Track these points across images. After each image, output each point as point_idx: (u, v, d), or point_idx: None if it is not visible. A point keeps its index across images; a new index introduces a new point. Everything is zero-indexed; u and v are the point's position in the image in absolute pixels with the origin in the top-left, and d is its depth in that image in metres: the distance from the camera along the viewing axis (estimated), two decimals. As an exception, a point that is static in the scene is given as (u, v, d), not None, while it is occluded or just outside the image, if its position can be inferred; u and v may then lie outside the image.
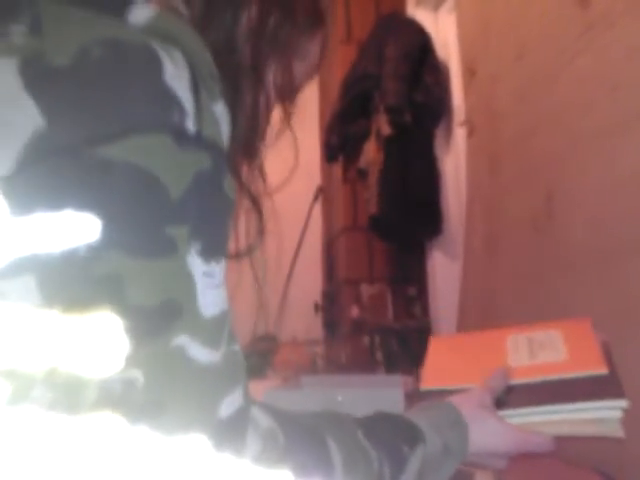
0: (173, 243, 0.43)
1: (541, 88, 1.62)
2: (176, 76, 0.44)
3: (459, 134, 2.28)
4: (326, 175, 3.09)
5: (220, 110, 0.48)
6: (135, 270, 0.42)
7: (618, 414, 0.71)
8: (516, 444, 0.73)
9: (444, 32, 2.50)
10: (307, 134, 2.85)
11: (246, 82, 0.56)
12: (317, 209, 3.10)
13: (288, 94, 0.63)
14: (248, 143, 0.59)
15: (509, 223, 1.84)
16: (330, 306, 2.80)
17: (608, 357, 0.79)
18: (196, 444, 0.44)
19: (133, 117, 0.42)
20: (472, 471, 0.95)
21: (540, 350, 0.83)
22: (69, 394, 0.40)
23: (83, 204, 0.41)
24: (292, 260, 2.96)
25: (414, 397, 0.84)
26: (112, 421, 0.41)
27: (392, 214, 2.33)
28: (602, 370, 0.75)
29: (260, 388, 1.46)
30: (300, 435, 0.56)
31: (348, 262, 2.69)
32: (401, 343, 2.28)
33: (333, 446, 0.58)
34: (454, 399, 0.74)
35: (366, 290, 2.57)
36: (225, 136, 0.49)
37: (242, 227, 0.62)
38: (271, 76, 0.59)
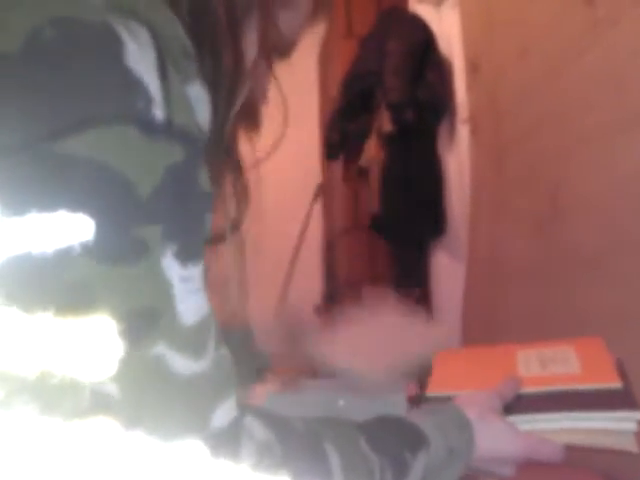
0: (144, 245, 0.40)
1: (545, 85, 1.64)
2: (140, 58, 0.40)
3: (462, 132, 2.28)
4: (326, 173, 3.08)
5: (196, 92, 0.45)
6: (104, 276, 0.39)
7: (633, 426, 0.70)
8: (525, 450, 0.70)
9: (447, 28, 2.48)
10: (306, 131, 2.84)
11: (224, 43, 0.51)
12: (317, 208, 3.08)
13: (280, 49, 0.59)
14: (246, 110, 0.54)
15: (514, 223, 1.86)
16: (330, 308, 2.77)
17: (622, 373, 0.78)
18: (185, 455, 0.42)
19: (92, 107, 0.38)
20: (476, 477, 0.93)
21: (552, 363, 0.82)
22: (63, 397, 0.38)
23: (43, 206, 0.37)
24: (291, 260, 2.94)
25: (419, 402, 0.82)
26: (107, 425, 0.39)
27: (394, 213, 2.33)
28: (615, 383, 0.74)
29: (260, 392, 1.43)
30: (298, 445, 0.53)
31: (349, 263, 2.68)
32: (404, 346, 2.27)
33: (332, 454, 0.55)
34: (460, 400, 0.72)
35: (368, 292, 2.53)
36: (203, 120, 0.45)
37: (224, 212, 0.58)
38: (254, 33, 0.55)
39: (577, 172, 1.48)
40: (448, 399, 0.75)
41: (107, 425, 0.39)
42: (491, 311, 1.95)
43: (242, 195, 0.58)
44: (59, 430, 0.38)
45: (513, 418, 0.73)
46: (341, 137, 2.49)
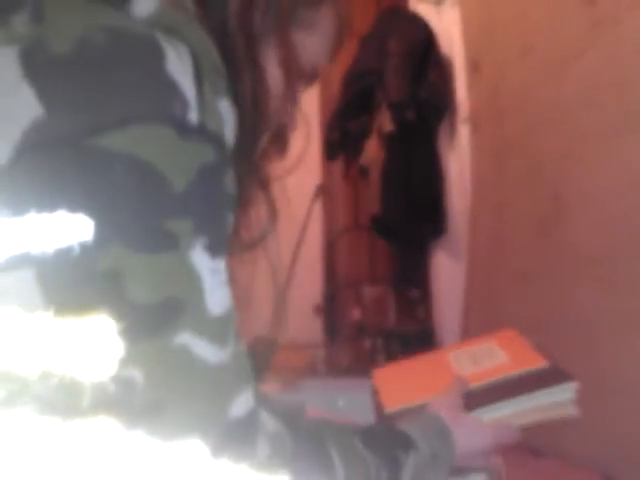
0: (174, 238, 0.42)
1: (547, 85, 1.65)
2: (179, 67, 0.44)
3: (463, 131, 2.28)
4: (326, 173, 3.06)
5: (225, 107, 0.48)
6: (136, 265, 0.41)
7: (571, 395, 0.78)
8: (492, 438, 0.76)
9: (447, 26, 2.46)
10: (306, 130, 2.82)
11: (243, 65, 0.54)
12: (317, 208, 3.06)
13: (306, 74, 0.61)
14: (277, 134, 0.59)
15: (516, 223, 1.86)
16: (330, 308, 2.78)
17: (546, 354, 0.86)
18: (199, 445, 0.43)
19: (132, 107, 0.42)
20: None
21: (482, 359, 0.89)
22: (64, 396, 0.39)
23: (83, 196, 0.40)
24: (291, 260, 2.92)
25: (382, 420, 0.86)
26: (108, 424, 0.40)
27: (394, 213, 2.32)
28: (543, 364, 0.83)
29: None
30: (305, 441, 0.56)
31: (349, 263, 2.66)
32: (404, 346, 2.26)
33: (335, 452, 0.58)
34: (432, 407, 0.76)
35: (368, 292, 2.55)
36: (229, 134, 0.48)
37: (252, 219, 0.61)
38: (274, 56, 0.57)
39: (580, 171, 1.48)
40: (407, 412, 0.80)
41: (108, 424, 0.40)
42: (492, 312, 1.94)
43: (271, 210, 0.62)
44: (61, 429, 0.39)
45: (472, 413, 0.78)
46: (341, 136, 2.48)
